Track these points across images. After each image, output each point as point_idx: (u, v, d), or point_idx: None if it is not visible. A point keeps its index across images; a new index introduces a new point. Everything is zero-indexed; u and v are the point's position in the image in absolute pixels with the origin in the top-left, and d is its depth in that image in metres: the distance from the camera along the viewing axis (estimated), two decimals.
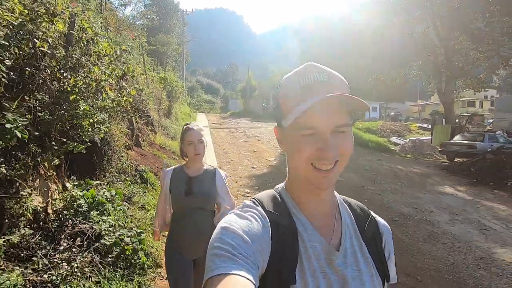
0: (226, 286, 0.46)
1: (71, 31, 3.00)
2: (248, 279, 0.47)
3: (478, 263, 3.83)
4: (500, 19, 12.24)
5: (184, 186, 1.90)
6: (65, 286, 2.06)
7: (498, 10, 11.92)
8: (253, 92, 36.31)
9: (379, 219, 0.75)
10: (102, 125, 3.13)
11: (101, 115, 3.12)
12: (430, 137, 17.33)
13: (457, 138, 12.28)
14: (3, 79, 2.06)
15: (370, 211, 0.75)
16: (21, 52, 2.24)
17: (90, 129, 3.01)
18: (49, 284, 2.03)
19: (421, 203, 6.04)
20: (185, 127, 2.00)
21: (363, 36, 17.74)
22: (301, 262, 0.60)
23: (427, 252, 4.06)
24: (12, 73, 2.15)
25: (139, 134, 6.62)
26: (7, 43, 2.08)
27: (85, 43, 3.17)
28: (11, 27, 2.19)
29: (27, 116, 2.16)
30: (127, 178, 4.45)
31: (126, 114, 4.75)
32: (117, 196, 3.47)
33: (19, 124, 2.00)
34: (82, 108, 2.79)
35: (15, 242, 2.18)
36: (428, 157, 13.36)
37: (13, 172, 2.21)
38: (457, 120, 17.87)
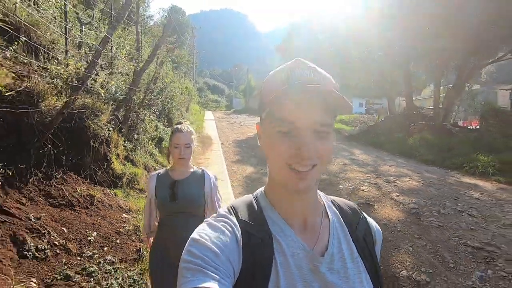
0: None
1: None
2: None
3: None
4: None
5: (168, 191, 1.84)
6: None
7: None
8: (253, 92, 41.27)
9: (371, 220, 0.72)
10: (177, 110, 9.59)
11: (177, 107, 9.59)
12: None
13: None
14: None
15: (361, 211, 0.73)
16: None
17: (175, 112, 9.46)
18: None
19: None
20: (174, 127, 1.93)
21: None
22: (277, 272, 0.57)
23: None
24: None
25: (178, 118, 13.11)
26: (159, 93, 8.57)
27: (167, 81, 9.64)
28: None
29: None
30: None
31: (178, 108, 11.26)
32: None
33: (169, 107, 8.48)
34: (173, 104, 9.24)
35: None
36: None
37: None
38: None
